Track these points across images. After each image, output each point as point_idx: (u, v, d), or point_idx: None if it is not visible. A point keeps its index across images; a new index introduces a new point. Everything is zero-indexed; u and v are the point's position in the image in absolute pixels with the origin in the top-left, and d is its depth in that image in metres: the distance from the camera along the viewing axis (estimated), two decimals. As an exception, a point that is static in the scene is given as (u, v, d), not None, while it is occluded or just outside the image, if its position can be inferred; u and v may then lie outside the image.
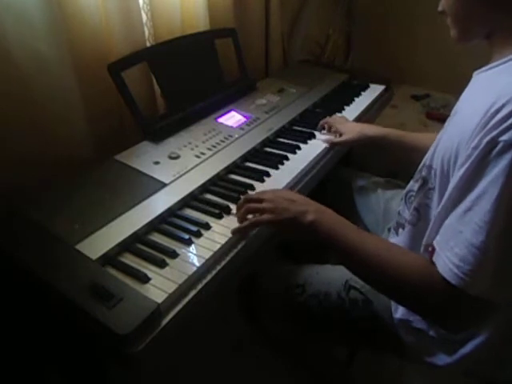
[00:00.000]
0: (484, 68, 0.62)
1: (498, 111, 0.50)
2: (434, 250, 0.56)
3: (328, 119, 1.08)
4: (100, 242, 0.65)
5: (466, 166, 0.52)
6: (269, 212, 0.67)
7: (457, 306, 0.54)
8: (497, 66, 0.59)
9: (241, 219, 0.72)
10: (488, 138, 0.49)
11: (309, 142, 1.02)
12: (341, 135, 1.02)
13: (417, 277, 0.57)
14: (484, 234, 0.49)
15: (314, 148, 0.99)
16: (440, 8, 0.64)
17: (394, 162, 1.32)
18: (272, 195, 0.70)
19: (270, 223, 0.68)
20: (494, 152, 0.49)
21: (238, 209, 0.73)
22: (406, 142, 0.96)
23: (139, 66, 0.97)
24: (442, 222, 0.56)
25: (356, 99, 1.30)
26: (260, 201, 0.69)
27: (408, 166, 0.79)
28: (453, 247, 0.52)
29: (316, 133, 1.06)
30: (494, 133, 0.49)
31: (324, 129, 1.07)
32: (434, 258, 0.55)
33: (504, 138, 0.48)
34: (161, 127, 0.95)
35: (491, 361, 0.66)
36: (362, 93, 1.35)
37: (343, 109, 1.22)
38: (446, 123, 0.68)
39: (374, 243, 0.62)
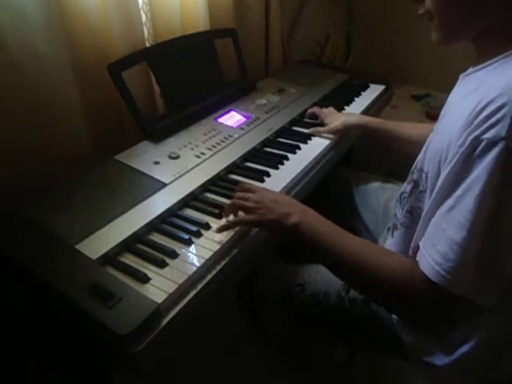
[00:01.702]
0: (470, 70, 0.62)
1: (482, 109, 0.50)
2: (418, 248, 0.56)
3: (316, 110, 1.12)
4: (100, 242, 0.65)
5: (452, 164, 0.52)
6: (253, 212, 0.68)
7: (438, 306, 0.55)
8: (483, 67, 0.59)
9: (227, 213, 0.73)
10: (472, 136, 0.50)
11: (309, 141, 1.02)
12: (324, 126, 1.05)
13: (399, 277, 0.57)
14: (466, 232, 0.50)
15: (313, 148, 0.99)
16: (421, 11, 0.62)
17: (393, 162, 1.32)
18: (258, 196, 0.70)
19: (253, 224, 0.70)
20: (478, 150, 0.49)
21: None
22: (386, 130, 0.99)
23: (139, 65, 0.97)
24: (429, 222, 0.56)
25: (356, 99, 1.30)
26: (246, 199, 0.70)
27: (406, 165, 0.79)
28: (435, 245, 0.53)
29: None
30: (478, 131, 0.49)
31: (311, 118, 1.13)
32: (418, 257, 0.56)
33: (487, 135, 0.48)
34: (161, 127, 0.95)
35: (490, 361, 0.67)
36: (362, 93, 1.35)
37: (343, 109, 1.22)
38: (435, 126, 0.68)
39: (356, 245, 0.63)
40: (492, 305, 0.53)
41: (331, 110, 1.12)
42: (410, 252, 0.65)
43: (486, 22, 0.57)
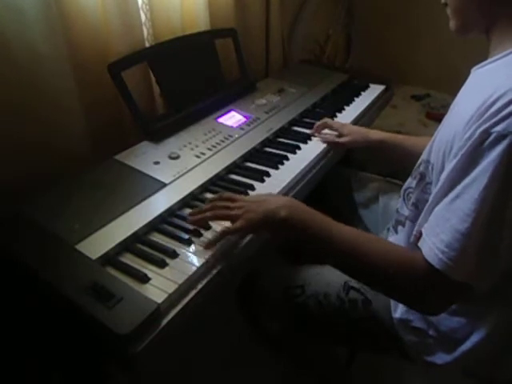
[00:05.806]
0: (482, 64, 0.63)
1: (493, 103, 0.50)
2: (420, 235, 0.57)
3: (322, 123, 1.06)
4: (100, 242, 0.65)
5: (459, 156, 0.52)
6: (239, 218, 0.65)
7: (437, 290, 0.56)
8: (494, 61, 0.59)
9: (204, 221, 0.69)
10: (482, 128, 0.50)
11: (309, 142, 1.02)
12: (340, 136, 1.02)
13: (397, 263, 0.58)
14: (470, 222, 0.51)
15: (313, 148, 0.99)
16: (443, 0, 0.64)
17: (393, 163, 1.32)
18: (240, 202, 0.68)
19: (242, 230, 0.66)
20: (487, 143, 0.49)
21: (205, 210, 0.69)
22: (406, 147, 0.96)
23: (139, 65, 0.97)
24: (432, 211, 0.56)
25: (356, 99, 1.30)
26: (229, 208, 0.68)
27: (407, 168, 0.79)
28: (439, 233, 0.53)
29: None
30: (488, 124, 0.50)
31: (315, 134, 1.04)
32: (420, 243, 0.57)
33: (497, 128, 0.49)
34: (161, 127, 0.95)
35: (490, 360, 0.67)
36: (362, 93, 1.35)
37: (343, 109, 1.22)
38: (444, 119, 0.68)
39: (351, 233, 0.63)
40: (487, 289, 0.54)
41: (341, 122, 1.09)
42: (412, 238, 0.65)
43: (495, 15, 0.58)
